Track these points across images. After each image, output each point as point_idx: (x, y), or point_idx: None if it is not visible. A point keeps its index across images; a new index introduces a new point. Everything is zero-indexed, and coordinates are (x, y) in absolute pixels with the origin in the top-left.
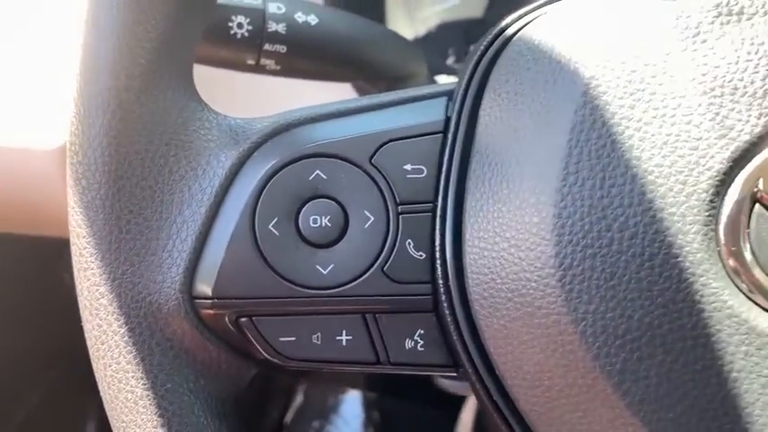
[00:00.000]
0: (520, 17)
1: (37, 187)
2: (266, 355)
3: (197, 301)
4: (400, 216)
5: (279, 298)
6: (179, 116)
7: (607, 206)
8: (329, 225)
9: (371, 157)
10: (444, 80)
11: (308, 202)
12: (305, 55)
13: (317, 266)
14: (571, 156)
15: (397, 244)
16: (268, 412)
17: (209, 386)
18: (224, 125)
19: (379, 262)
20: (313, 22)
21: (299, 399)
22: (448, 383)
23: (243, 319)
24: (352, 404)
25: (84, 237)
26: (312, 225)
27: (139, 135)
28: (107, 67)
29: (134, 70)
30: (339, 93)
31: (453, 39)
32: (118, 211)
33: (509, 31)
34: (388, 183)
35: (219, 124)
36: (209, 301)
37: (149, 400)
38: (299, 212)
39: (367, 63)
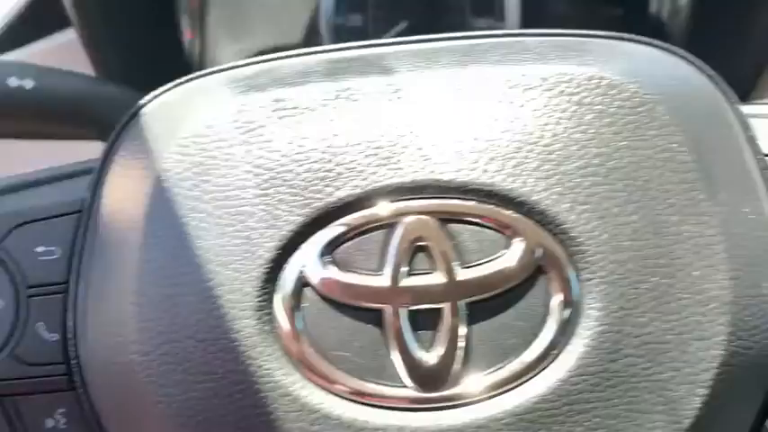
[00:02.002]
0: (154, 97)
1: None
2: None
3: None
4: (30, 299)
5: None
6: None
7: (178, 295)
8: None
9: (1, 241)
10: None
11: None
12: (19, 118)
13: None
14: (147, 244)
15: (28, 327)
16: None
17: None
18: None
19: (9, 346)
20: (29, 86)
21: None
22: None
23: None
24: None
25: None
26: None
27: None
28: None
29: None
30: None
31: None
32: None
33: (143, 110)
34: (18, 266)
35: None
36: None
37: None
38: None
39: (96, 122)
